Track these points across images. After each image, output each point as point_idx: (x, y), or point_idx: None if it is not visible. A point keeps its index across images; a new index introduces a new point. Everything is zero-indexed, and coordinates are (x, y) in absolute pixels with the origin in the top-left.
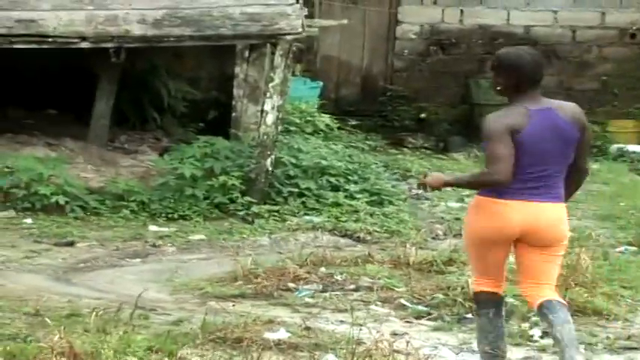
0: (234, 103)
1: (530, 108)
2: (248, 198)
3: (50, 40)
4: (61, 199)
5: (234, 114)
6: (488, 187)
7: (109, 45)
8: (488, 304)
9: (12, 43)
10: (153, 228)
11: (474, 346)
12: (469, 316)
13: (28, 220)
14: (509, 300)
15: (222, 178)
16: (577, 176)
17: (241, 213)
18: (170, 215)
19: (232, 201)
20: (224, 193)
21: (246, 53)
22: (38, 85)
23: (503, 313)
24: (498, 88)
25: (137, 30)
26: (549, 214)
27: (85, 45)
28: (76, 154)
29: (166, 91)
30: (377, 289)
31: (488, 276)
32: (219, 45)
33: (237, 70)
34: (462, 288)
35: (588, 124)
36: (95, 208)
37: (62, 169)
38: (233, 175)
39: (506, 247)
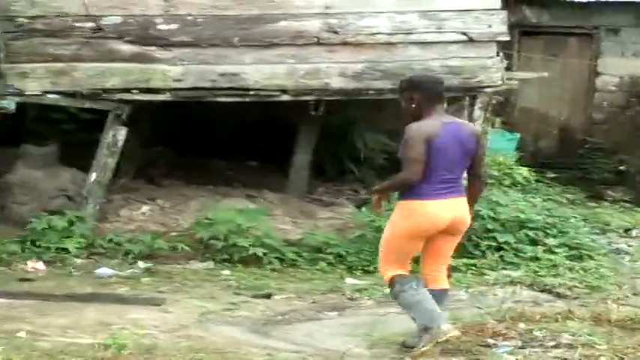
0: None
1: (442, 121)
2: None
3: (252, 93)
4: (259, 251)
5: None
6: (405, 186)
7: (309, 98)
8: (406, 278)
9: (216, 97)
10: (350, 281)
11: None
12: None
13: (227, 272)
14: None
15: None
16: (478, 184)
17: None
18: (367, 268)
19: None
20: None
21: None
22: (238, 136)
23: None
24: (413, 105)
25: (337, 83)
26: (463, 207)
27: (285, 98)
28: (275, 205)
29: (364, 143)
30: (578, 347)
31: (401, 264)
32: None
33: None
34: None
35: (483, 141)
36: (293, 260)
37: (261, 221)
38: None
39: (424, 239)
